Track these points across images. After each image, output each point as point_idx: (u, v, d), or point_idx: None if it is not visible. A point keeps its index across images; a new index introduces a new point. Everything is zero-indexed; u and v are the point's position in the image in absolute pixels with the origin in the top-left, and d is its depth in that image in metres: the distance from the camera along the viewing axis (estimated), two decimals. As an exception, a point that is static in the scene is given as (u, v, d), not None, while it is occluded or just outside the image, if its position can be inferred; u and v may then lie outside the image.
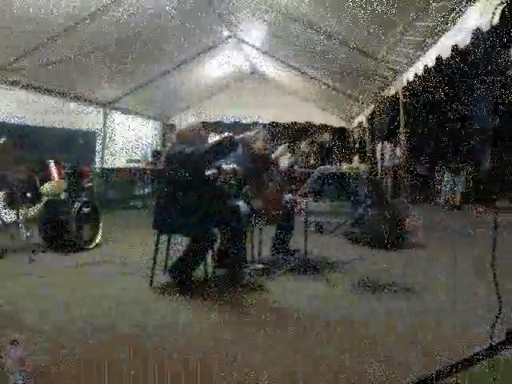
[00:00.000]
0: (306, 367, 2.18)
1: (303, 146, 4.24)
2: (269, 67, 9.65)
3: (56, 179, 4.73)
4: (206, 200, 3.48)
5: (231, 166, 4.01)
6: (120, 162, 9.23)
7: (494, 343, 1.43)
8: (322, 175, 4.03)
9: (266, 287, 3.48)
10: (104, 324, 2.68)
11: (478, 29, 2.74)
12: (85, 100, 7.90)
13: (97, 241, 4.88)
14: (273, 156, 4.20)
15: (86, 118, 8.15)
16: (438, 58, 3.80)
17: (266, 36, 7.26)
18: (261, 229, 4.51)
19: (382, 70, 5.57)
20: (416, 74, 4.67)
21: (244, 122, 10.67)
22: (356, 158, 9.98)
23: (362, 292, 3.45)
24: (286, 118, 11.08)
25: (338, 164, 9.52)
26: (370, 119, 7.98)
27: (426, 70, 4.23)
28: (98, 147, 8.66)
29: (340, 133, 12.11)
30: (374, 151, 9.20)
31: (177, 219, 3.37)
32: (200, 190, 3.46)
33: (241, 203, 3.95)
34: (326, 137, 10.78)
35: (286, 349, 2.38)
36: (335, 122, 10.99)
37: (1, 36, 4.66)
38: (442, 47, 3.76)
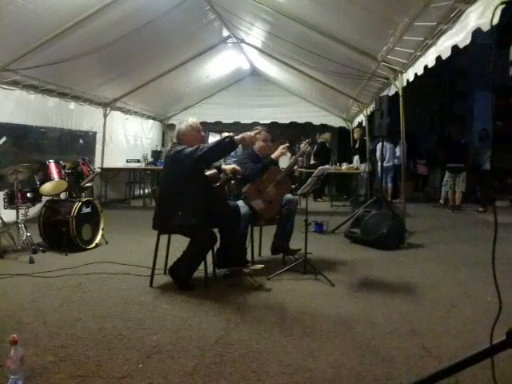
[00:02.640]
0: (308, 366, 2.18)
1: (303, 145, 4.24)
2: (268, 66, 9.64)
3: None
4: (206, 200, 3.48)
5: (231, 166, 4.01)
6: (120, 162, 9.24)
7: (493, 343, 1.43)
8: (322, 175, 4.03)
9: (266, 287, 3.48)
10: (103, 324, 2.68)
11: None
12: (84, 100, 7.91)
13: (97, 241, 4.88)
14: (273, 156, 4.20)
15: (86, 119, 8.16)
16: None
17: (266, 35, 7.27)
18: (261, 229, 4.51)
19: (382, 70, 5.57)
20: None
21: (244, 122, 10.65)
22: (356, 157, 9.98)
23: (361, 291, 3.45)
24: (285, 117, 11.10)
25: (338, 164, 9.51)
26: (370, 119, 7.97)
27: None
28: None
29: (340, 133, 12.11)
30: (373, 151, 9.19)
31: (176, 219, 3.37)
32: (200, 189, 3.45)
33: (241, 203, 3.95)
34: (326, 137, 10.76)
35: (288, 348, 2.38)
36: (335, 122, 11.00)
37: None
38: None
